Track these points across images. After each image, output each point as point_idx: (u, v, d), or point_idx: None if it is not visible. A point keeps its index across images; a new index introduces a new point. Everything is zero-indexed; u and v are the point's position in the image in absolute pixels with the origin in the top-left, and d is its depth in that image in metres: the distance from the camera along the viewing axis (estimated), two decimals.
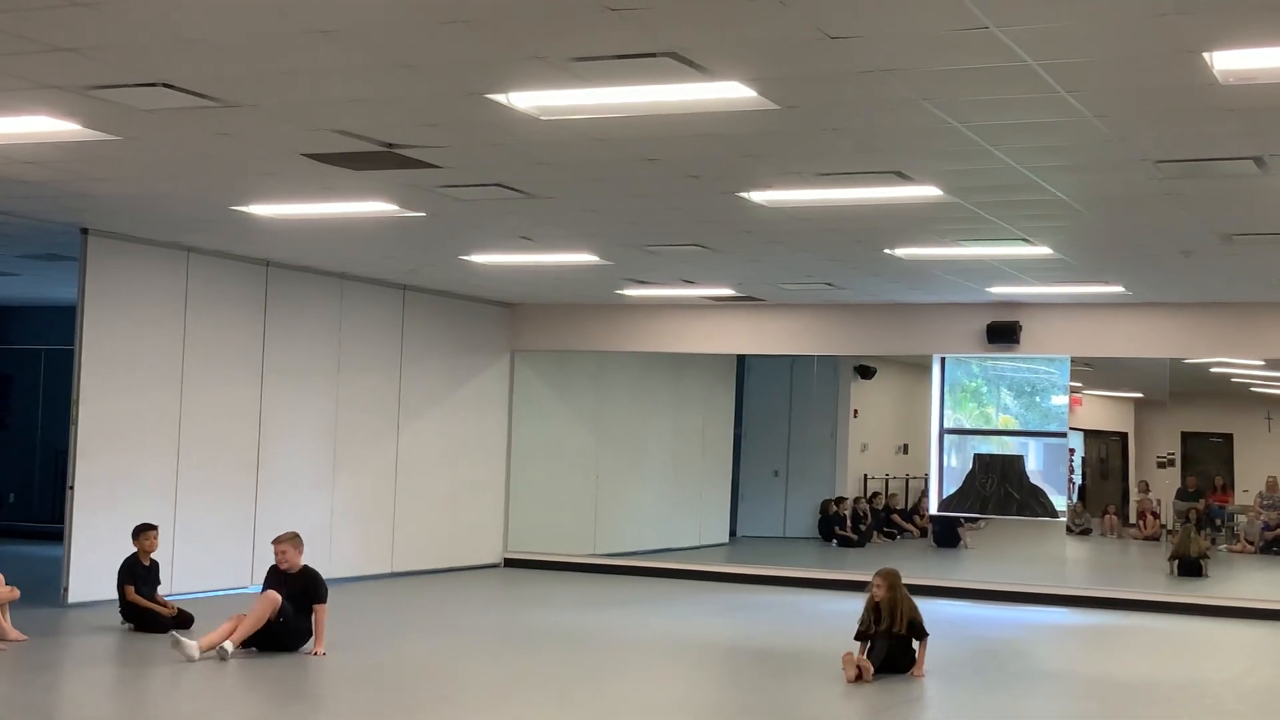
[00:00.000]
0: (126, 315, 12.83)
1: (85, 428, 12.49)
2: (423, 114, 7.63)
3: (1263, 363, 18.57)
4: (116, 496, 12.58)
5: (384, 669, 10.06)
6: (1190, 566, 17.41)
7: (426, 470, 16.47)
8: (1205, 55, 6.02)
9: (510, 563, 17.64)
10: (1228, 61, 6.08)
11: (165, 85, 7.11)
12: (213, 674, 9.70)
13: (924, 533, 21.38)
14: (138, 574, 11.27)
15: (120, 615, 11.32)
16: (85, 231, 12.37)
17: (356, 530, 15.44)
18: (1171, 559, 17.84)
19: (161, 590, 11.61)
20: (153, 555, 11.40)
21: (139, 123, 7.99)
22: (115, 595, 11.34)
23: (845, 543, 20.63)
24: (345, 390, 15.29)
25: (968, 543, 20.87)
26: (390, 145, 8.41)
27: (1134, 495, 23.43)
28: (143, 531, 11.37)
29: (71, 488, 12.45)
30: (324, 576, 10.64)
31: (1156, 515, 22.39)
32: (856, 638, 10.19)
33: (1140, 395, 23.46)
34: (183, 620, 11.25)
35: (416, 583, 15.53)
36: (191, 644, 9.91)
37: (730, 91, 6.83)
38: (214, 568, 13.63)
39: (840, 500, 21.20)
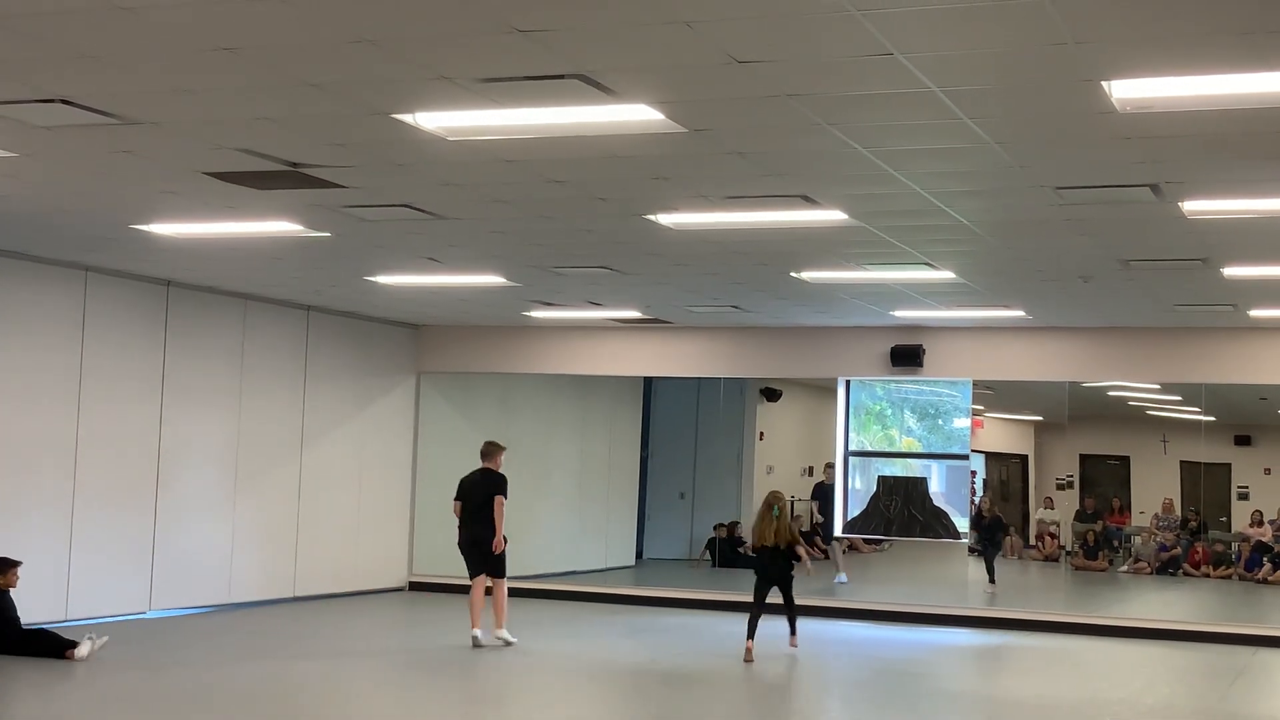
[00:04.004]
0: (22, 336, 12.56)
1: None
2: (328, 133, 7.56)
3: (1158, 386, 18.94)
4: (10, 521, 12.29)
5: (279, 692, 9.92)
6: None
7: (330, 493, 16.29)
8: (1104, 84, 6.13)
9: (415, 586, 17.49)
10: (1126, 90, 6.20)
11: (64, 101, 6.99)
12: (82, 689, 9.50)
13: (826, 555, 21.44)
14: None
15: None
16: None
17: (258, 554, 15.21)
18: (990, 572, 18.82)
19: (56, 614, 11.38)
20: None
21: (37, 139, 7.84)
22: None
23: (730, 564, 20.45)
24: (248, 412, 15.08)
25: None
26: (295, 164, 8.33)
27: (1037, 514, 23.75)
28: (8, 567, 11.29)
29: None
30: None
31: (1055, 537, 22.72)
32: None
33: (1040, 418, 23.82)
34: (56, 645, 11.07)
35: (319, 607, 15.34)
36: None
37: (638, 114, 6.84)
38: (111, 592, 13.35)
39: (722, 525, 21.05)
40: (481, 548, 12.54)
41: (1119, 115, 6.57)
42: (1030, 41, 5.60)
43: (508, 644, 12.48)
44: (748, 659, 11.90)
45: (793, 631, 12.60)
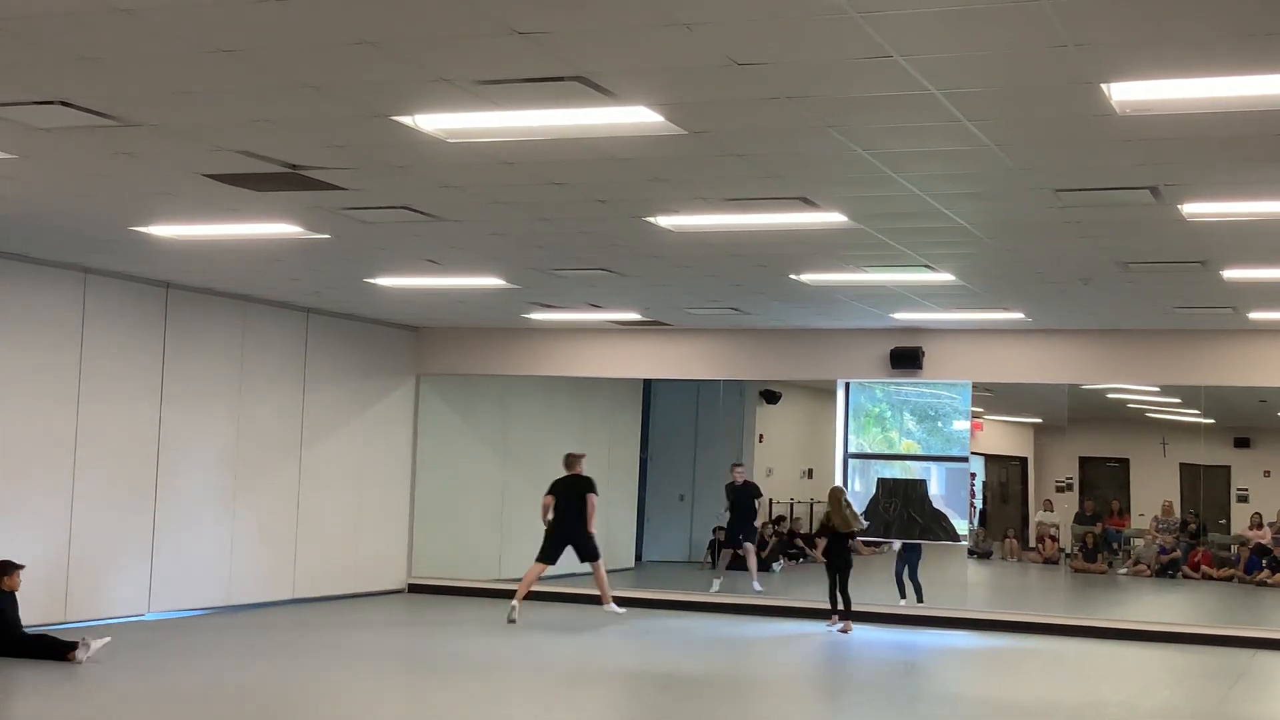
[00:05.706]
0: (21, 337, 12.56)
1: None
2: (327, 135, 7.56)
3: (1158, 388, 18.93)
4: (9, 522, 12.29)
5: (279, 693, 9.91)
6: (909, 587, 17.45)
7: (330, 495, 16.28)
8: (1103, 86, 6.14)
9: (415, 588, 17.48)
10: (1125, 93, 6.20)
11: (63, 103, 6.99)
12: (82, 691, 9.49)
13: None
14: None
15: None
16: None
17: (257, 555, 15.21)
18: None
19: (55, 616, 11.38)
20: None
21: (36, 141, 7.84)
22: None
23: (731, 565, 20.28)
24: (247, 414, 15.07)
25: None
26: (294, 166, 8.33)
27: (1036, 517, 23.74)
28: (12, 570, 11.26)
29: None
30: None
31: (1054, 539, 22.71)
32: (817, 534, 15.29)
33: (1040, 420, 23.82)
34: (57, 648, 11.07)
35: (318, 609, 15.33)
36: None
37: (638, 116, 6.84)
38: (110, 594, 13.34)
39: (720, 527, 20.91)
40: (569, 538, 14.61)
41: (1118, 118, 6.57)
42: (1030, 44, 5.60)
43: (617, 615, 14.81)
44: (843, 630, 14.46)
45: (847, 615, 14.53)
